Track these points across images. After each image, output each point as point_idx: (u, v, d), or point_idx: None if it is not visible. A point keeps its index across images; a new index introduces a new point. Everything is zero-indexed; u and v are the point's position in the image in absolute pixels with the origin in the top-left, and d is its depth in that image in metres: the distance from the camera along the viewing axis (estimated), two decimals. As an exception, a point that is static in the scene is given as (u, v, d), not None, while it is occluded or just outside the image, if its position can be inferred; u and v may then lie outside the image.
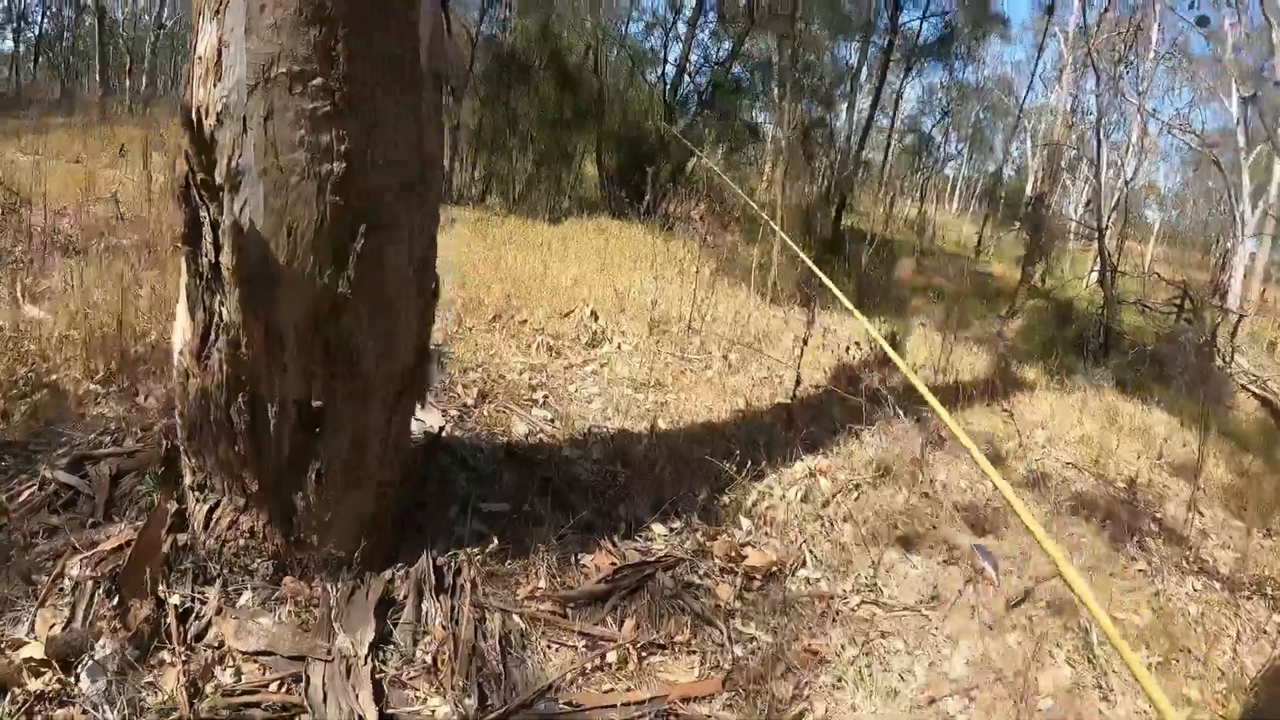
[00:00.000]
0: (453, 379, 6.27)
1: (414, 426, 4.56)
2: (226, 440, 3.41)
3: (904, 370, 2.36)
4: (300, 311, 3.16)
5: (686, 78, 21.83)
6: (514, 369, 6.84)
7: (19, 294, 6.24)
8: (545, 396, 6.34)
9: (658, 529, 4.69)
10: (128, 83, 33.47)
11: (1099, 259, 19.93)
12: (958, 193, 63.86)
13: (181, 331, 3.40)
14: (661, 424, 6.24)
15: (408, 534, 4.07)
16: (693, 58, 21.86)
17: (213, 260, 3.06)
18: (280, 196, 2.98)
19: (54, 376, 5.03)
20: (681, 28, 21.92)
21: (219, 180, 3.01)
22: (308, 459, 3.44)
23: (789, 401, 6.56)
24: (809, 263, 3.57)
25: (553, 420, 5.92)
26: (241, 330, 3.13)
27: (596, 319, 8.38)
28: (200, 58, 2.95)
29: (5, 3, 39.96)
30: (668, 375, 7.36)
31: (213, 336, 3.22)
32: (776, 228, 7.91)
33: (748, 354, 8.44)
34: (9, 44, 42.72)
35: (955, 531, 5.23)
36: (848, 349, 8.22)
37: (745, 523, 4.95)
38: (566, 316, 8.58)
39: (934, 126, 31.37)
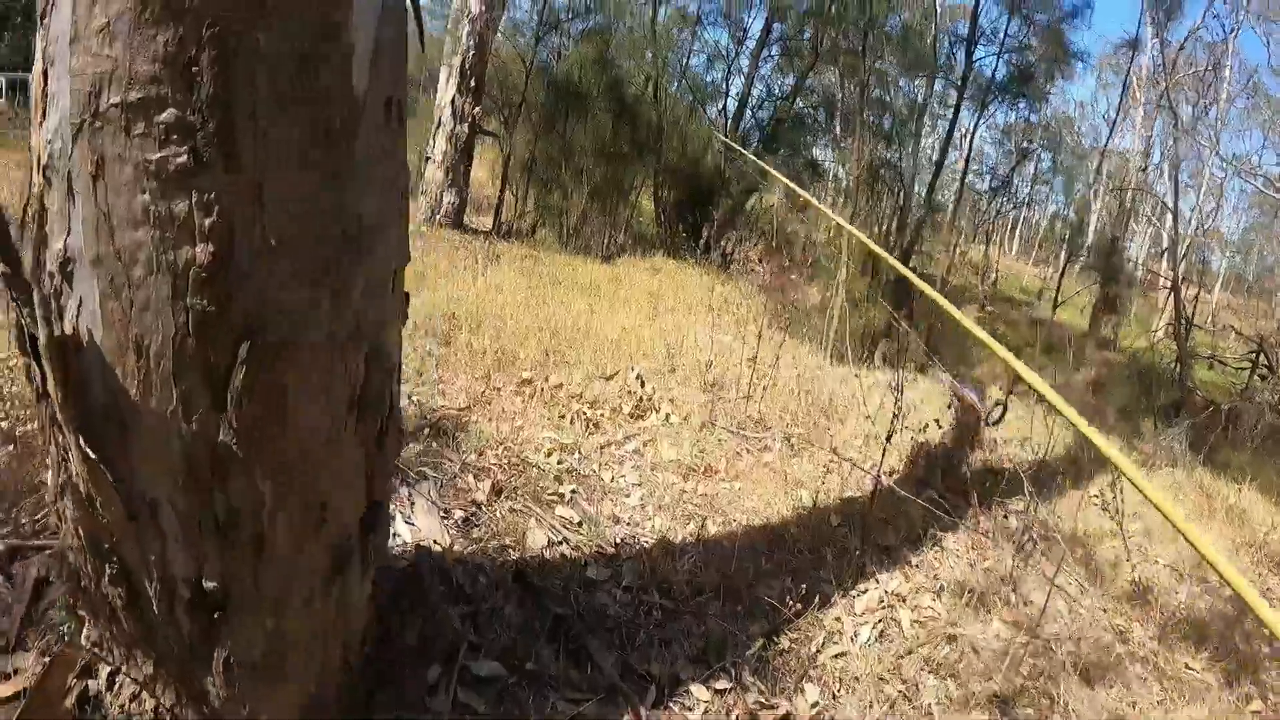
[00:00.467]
0: (465, 464, 5.20)
1: (405, 532, 3.56)
2: (107, 614, 2.38)
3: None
4: (169, 468, 1.97)
5: (748, 112, 20.79)
6: (541, 449, 5.76)
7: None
8: (574, 491, 5.24)
9: (699, 692, 3.61)
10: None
11: (1172, 311, 18.64)
12: (1018, 235, 62.35)
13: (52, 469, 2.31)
14: (711, 527, 5.16)
15: (375, 700, 3.01)
16: (755, 91, 20.83)
17: (40, 389, 1.97)
18: (120, 298, 1.80)
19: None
20: (744, 61, 20.88)
21: (50, 269, 1.90)
22: (211, 646, 2.34)
23: (863, 504, 5.48)
24: (902, 323, 2.47)
25: (579, 524, 4.84)
26: (92, 488, 2.03)
27: (643, 384, 7.27)
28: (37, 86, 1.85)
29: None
30: (720, 458, 6.25)
31: (64, 491, 2.15)
32: (892, 259, 6.74)
33: (813, 429, 7.33)
34: None
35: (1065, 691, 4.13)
36: (925, 427, 7.08)
37: (811, 691, 3.84)
38: (610, 380, 7.50)
39: (1013, 169, 29.85)
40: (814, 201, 4.60)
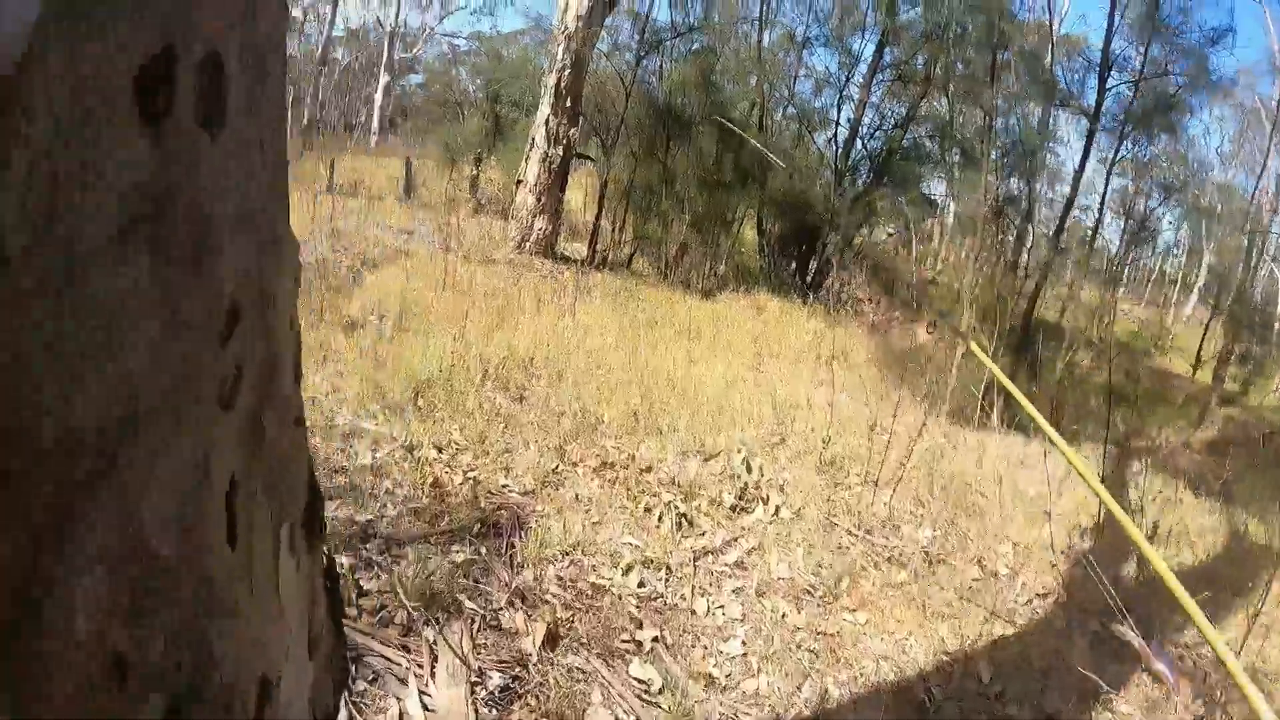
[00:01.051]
0: (517, 589, 3.98)
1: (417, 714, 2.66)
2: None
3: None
4: None
5: (859, 142, 19.40)
6: (618, 564, 4.50)
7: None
8: (656, 636, 3.97)
9: None
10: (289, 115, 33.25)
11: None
12: (1126, 272, 59.65)
13: None
14: (833, 688, 3.87)
15: None
16: (866, 119, 19.41)
17: None
18: None
19: None
20: (854, 89, 19.48)
21: None
22: None
23: (1018, 646, 4.21)
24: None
25: (660, 691, 3.57)
26: None
27: (750, 469, 5.97)
28: None
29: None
30: (842, 575, 4.93)
31: None
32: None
33: (950, 529, 5.98)
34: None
35: None
36: (1083, 534, 5.70)
37: None
38: (709, 461, 6.22)
39: (1157, 208, 27.95)
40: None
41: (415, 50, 44.65)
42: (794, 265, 18.77)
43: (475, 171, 21.21)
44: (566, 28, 14.14)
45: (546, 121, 14.30)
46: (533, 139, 14.58)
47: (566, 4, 14.29)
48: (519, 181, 14.78)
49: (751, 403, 8.11)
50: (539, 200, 14.39)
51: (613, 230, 17.10)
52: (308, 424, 1.24)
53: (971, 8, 16.86)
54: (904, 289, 18.22)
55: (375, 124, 36.35)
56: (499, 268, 12.95)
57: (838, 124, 19.13)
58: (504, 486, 5.30)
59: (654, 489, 5.54)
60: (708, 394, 7.98)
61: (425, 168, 23.89)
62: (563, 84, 14.14)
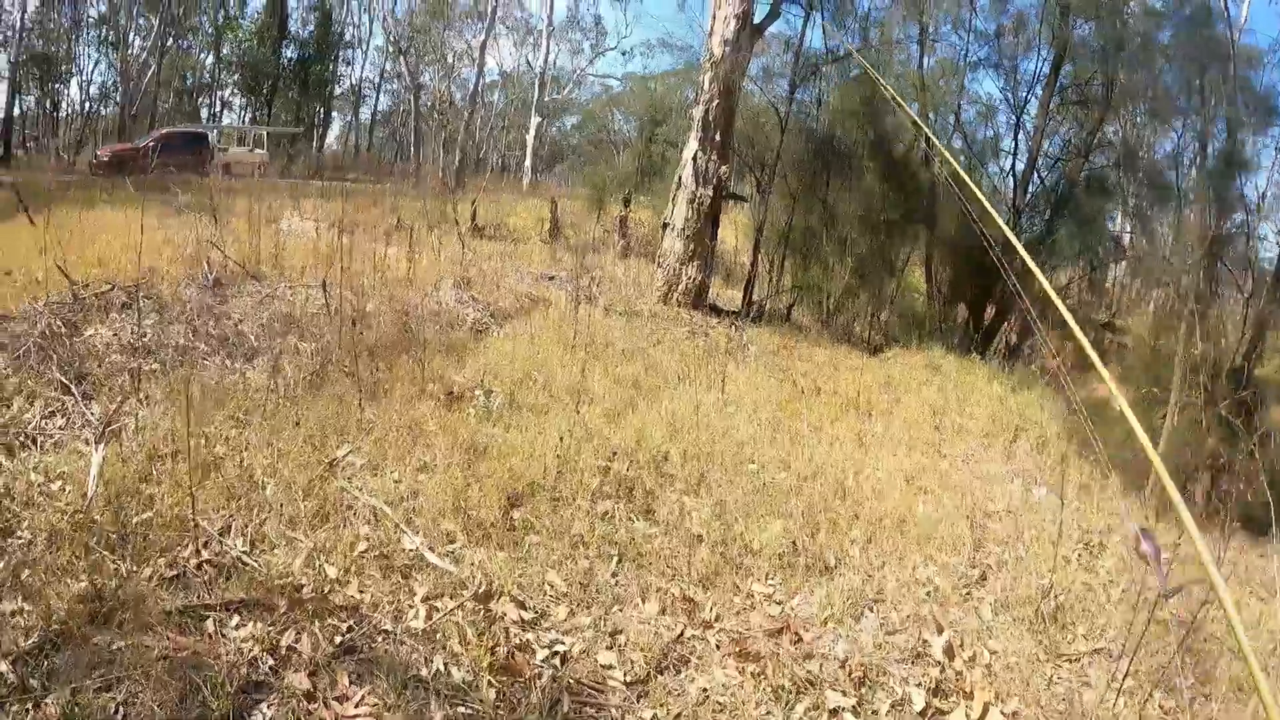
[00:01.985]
0: None
1: None
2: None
3: None
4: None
5: (1035, 174, 17.16)
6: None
7: None
8: None
9: None
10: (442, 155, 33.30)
11: None
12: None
13: None
14: None
15: None
16: (1044, 147, 17.14)
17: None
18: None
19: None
20: (1028, 119, 17.25)
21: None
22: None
23: None
24: None
25: None
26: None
27: (952, 656, 4.13)
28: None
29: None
30: None
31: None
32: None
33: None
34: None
35: None
36: None
37: None
38: (893, 636, 4.39)
39: None
40: None
41: (565, 92, 43.75)
42: (968, 315, 16.68)
43: (624, 212, 19.72)
44: (712, 54, 12.49)
45: (694, 158, 12.67)
46: (679, 178, 12.99)
47: (712, 29, 12.68)
48: (665, 225, 13.20)
49: (937, 508, 6.31)
50: (687, 246, 12.78)
51: (769, 277, 15.30)
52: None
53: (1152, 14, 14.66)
54: (1092, 341, 16.00)
55: (528, 164, 35.39)
56: (641, 321, 11.36)
57: (1015, 154, 16.92)
58: (605, 669, 3.66)
59: (815, 678, 3.78)
60: (885, 502, 6.20)
61: (574, 209, 22.60)
62: (711, 116, 12.50)
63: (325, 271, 9.26)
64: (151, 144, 25.70)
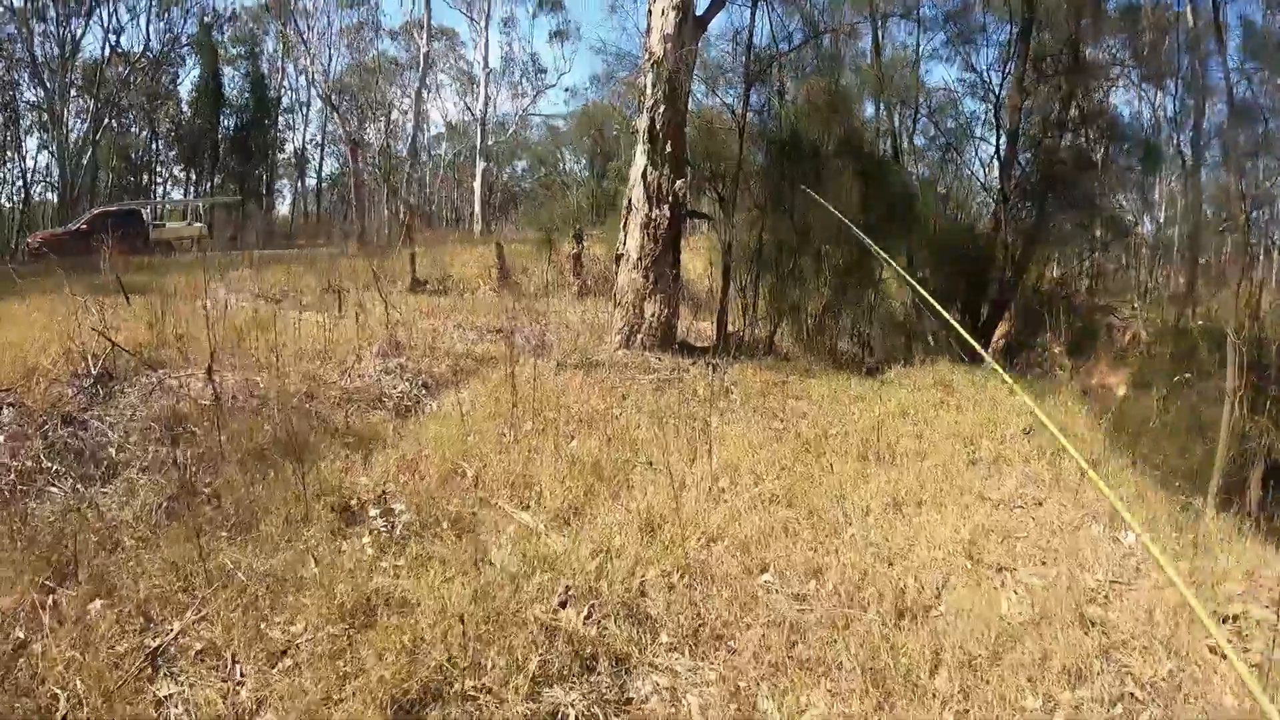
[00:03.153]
0: None
1: None
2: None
3: None
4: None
5: (1018, 157, 15.15)
6: None
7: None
8: None
9: None
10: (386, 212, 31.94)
11: None
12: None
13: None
14: None
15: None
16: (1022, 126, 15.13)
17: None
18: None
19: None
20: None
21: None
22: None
23: None
24: None
25: None
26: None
27: None
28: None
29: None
30: None
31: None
32: None
33: None
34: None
35: None
36: None
37: None
38: None
39: None
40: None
41: (509, 134, 41.79)
42: (960, 316, 14.70)
43: (577, 249, 17.67)
44: (652, 54, 10.45)
45: (644, 175, 10.59)
46: (629, 200, 10.90)
47: (649, 26, 10.67)
48: (619, 257, 11.12)
49: (1026, 597, 4.38)
50: (646, 278, 10.67)
51: (744, 303, 13.15)
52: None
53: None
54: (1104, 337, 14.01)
55: (477, 211, 33.15)
56: (602, 374, 9.30)
57: (997, 135, 14.84)
58: None
59: None
60: (957, 601, 4.22)
61: (526, 252, 20.57)
62: (658, 124, 10.44)
63: (234, 351, 8.10)
64: (83, 226, 24.71)
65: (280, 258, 17.65)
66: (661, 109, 10.32)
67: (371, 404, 8.07)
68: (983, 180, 16.01)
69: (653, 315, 10.55)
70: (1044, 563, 5.25)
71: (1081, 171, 14.81)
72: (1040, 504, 6.59)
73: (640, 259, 10.55)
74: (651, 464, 6.18)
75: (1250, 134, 12.83)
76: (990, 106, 15.19)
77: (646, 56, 10.55)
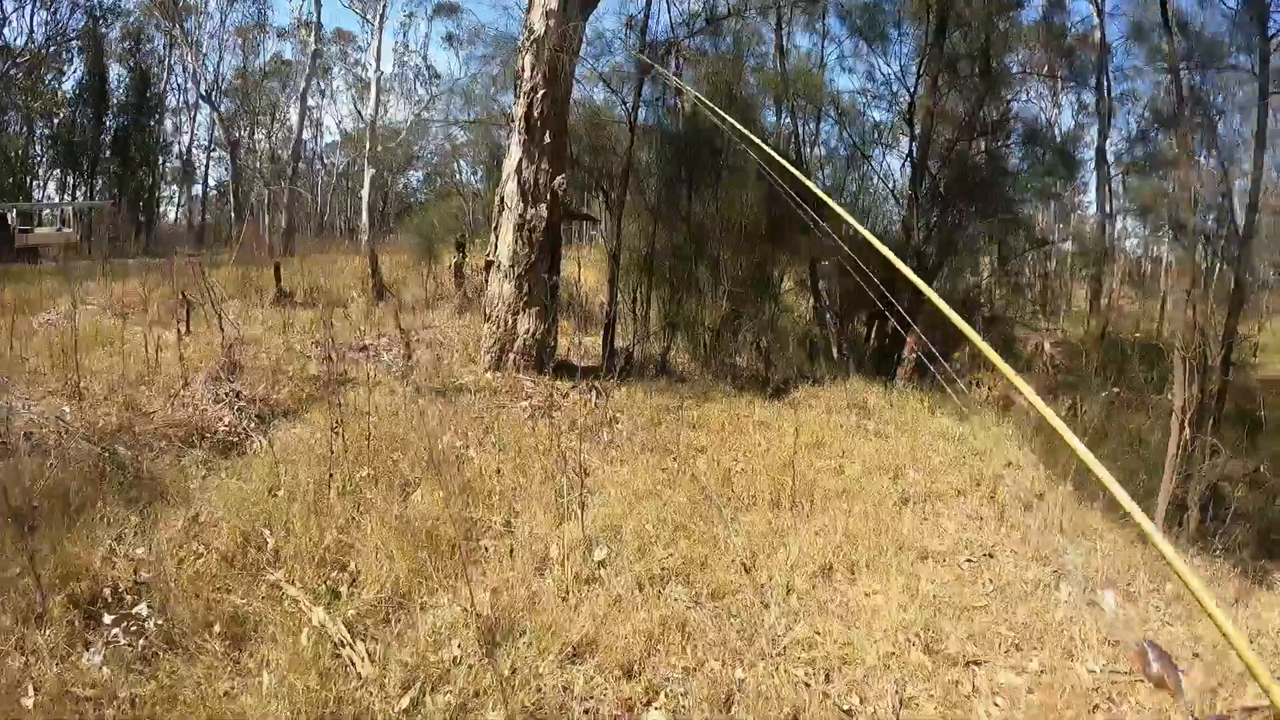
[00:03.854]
0: None
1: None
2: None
3: None
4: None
5: (927, 162, 13.93)
6: None
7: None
8: None
9: None
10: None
11: None
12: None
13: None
14: None
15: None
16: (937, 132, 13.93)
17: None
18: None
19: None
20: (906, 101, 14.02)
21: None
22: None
23: None
24: None
25: None
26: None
27: None
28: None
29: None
30: None
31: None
32: None
33: None
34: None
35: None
36: None
37: None
38: None
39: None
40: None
41: (399, 140, 39.63)
42: (868, 333, 13.44)
43: (458, 258, 16.02)
44: (532, 31, 8.89)
45: (519, 169, 9.00)
46: (500, 198, 9.31)
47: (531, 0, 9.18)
48: (489, 264, 9.49)
49: (1013, 708, 3.10)
50: (520, 289, 9.07)
51: (634, 317, 11.65)
52: None
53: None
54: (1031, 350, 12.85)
55: (364, 220, 30.96)
56: (465, 401, 7.76)
57: (913, 141, 13.54)
58: None
59: None
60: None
61: (407, 262, 18.86)
62: (536, 111, 8.86)
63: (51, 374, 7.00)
64: None
65: (148, 267, 15.87)
66: (540, 93, 8.76)
67: (188, 440, 6.49)
68: (892, 188, 14.78)
69: (527, 331, 8.97)
70: (1018, 648, 4.01)
71: (996, 178, 13.69)
72: (990, 554, 5.38)
73: (513, 266, 8.95)
74: (509, 526, 4.72)
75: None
76: (901, 110, 13.91)
77: (526, 34, 8.94)
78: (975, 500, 6.49)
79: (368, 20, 32.03)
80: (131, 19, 38.20)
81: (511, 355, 8.91)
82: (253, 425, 7.03)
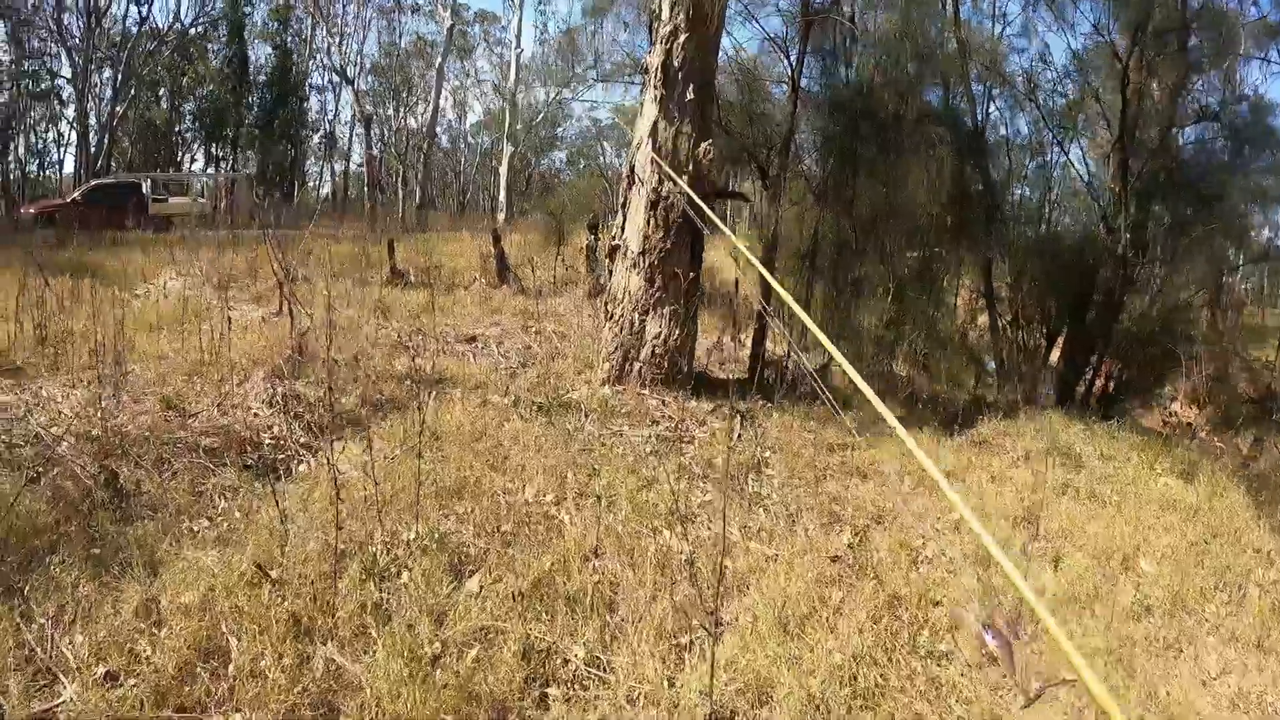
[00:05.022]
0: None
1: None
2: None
3: None
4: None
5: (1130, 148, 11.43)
6: None
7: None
8: None
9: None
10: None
11: None
12: None
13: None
14: None
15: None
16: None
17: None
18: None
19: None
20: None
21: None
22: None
23: None
24: None
25: None
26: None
27: None
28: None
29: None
30: None
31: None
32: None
33: None
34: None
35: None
36: None
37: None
38: None
39: None
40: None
41: (539, 119, 38.52)
42: (1047, 349, 11.09)
43: (589, 240, 14.44)
44: (670, -37, 7.00)
45: (653, 131, 7.07)
46: (630, 169, 7.41)
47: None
48: (614, 248, 7.54)
49: None
50: (650, 281, 7.12)
51: (788, 320, 9.52)
52: None
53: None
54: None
55: (502, 198, 29.82)
56: (573, 423, 6.05)
57: (1124, 118, 11.03)
58: None
59: None
60: None
61: (536, 242, 17.34)
62: (676, 60, 6.97)
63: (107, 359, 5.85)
64: (77, 198, 23.76)
65: (274, 239, 15.13)
66: (682, 39, 6.85)
67: (223, 454, 5.08)
68: (1088, 181, 12.41)
69: (657, 337, 7.03)
70: None
71: (1217, 173, 11.20)
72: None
73: (644, 253, 7.04)
74: (596, 664, 2.99)
75: None
76: (1111, 82, 11.49)
77: (664, -32, 7.11)
78: (1223, 610, 4.44)
79: (509, -1, 31.44)
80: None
81: (637, 365, 7.03)
82: (306, 438, 5.52)
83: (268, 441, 5.40)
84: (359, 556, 3.65)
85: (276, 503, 3.92)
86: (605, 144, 45.90)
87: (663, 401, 6.74)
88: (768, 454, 5.86)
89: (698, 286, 7.42)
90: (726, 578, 3.84)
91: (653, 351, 7.01)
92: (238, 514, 4.23)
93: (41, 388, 5.92)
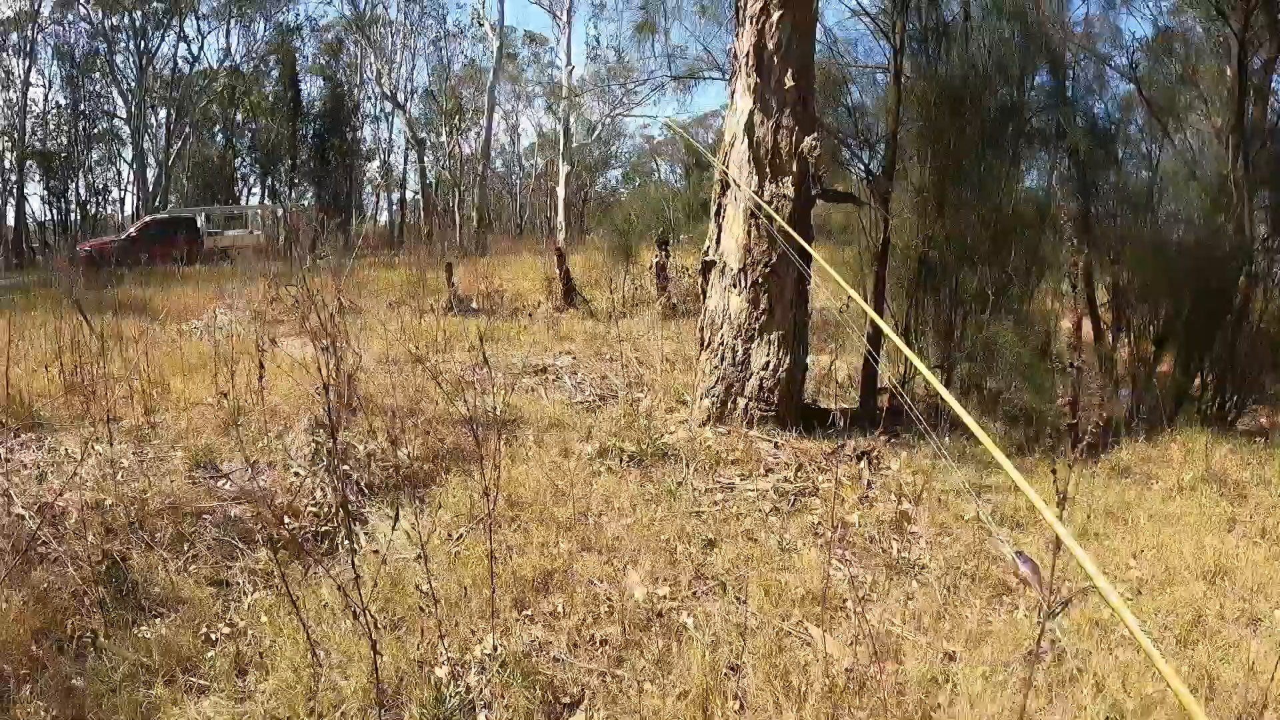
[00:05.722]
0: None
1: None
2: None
3: None
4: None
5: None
6: None
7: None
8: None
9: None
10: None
11: None
12: None
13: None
14: None
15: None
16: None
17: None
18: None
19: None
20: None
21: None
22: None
23: None
24: None
25: None
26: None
27: None
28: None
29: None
30: None
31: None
32: None
33: None
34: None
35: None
36: None
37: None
38: None
39: None
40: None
41: (595, 135, 37.91)
42: (1155, 357, 9.65)
43: (660, 256, 13.47)
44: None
45: (749, 126, 5.96)
46: (724, 162, 6.26)
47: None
48: (707, 264, 6.39)
49: None
50: (754, 303, 6.01)
51: (908, 340, 8.15)
52: None
53: None
54: None
55: (560, 219, 28.91)
56: (668, 476, 4.98)
57: (1244, 96, 9.66)
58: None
59: None
60: None
61: (601, 263, 16.35)
62: (770, 42, 5.92)
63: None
64: (133, 234, 24.00)
65: (330, 269, 14.69)
66: (775, 16, 5.83)
67: (252, 531, 4.24)
68: (1193, 163, 11.13)
69: (764, 368, 5.89)
70: None
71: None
72: None
73: (744, 270, 5.92)
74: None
75: None
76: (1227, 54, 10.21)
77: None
78: None
79: (556, 16, 30.99)
80: (331, 34, 40.40)
81: (741, 401, 5.90)
82: (355, 500, 4.61)
83: (309, 508, 4.47)
84: (417, 692, 2.67)
85: (307, 634, 2.92)
86: (659, 160, 45.97)
87: (775, 445, 5.62)
88: (907, 508, 4.76)
89: (806, 303, 6.32)
90: (906, 697, 2.81)
91: (760, 384, 5.89)
92: (264, 619, 3.29)
93: (61, 442, 5.27)
